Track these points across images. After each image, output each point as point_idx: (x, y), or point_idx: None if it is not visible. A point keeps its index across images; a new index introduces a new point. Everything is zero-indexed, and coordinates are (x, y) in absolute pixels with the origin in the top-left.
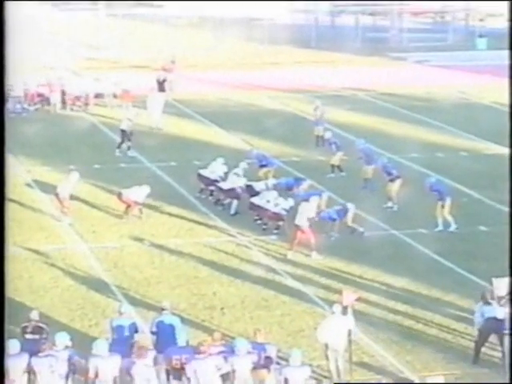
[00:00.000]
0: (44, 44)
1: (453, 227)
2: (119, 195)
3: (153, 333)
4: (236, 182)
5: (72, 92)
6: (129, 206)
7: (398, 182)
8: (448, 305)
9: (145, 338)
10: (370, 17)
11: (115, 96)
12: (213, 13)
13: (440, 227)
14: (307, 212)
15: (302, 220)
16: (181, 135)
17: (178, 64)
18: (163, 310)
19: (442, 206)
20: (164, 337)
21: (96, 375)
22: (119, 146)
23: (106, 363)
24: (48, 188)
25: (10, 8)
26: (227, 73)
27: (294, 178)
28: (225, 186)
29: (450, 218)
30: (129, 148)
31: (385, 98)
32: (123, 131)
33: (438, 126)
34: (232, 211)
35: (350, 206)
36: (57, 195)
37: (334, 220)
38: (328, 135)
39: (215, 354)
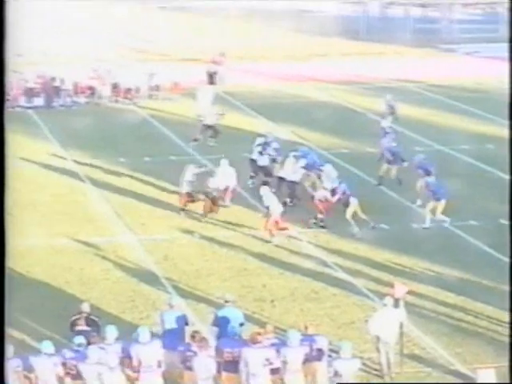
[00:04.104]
0: (95, 36)
1: (447, 223)
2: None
3: (215, 325)
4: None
5: (122, 84)
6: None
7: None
8: (498, 296)
9: (206, 330)
10: (420, 8)
11: (165, 89)
12: (262, 5)
13: (426, 225)
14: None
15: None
16: (230, 128)
17: (228, 56)
18: (226, 302)
19: (435, 207)
20: (226, 329)
21: (139, 363)
22: (196, 140)
23: (147, 350)
24: (97, 180)
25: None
26: (276, 65)
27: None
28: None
29: (442, 217)
30: (209, 140)
31: (434, 89)
32: (209, 126)
33: (488, 118)
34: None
35: (353, 200)
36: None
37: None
38: (385, 124)
39: (268, 346)
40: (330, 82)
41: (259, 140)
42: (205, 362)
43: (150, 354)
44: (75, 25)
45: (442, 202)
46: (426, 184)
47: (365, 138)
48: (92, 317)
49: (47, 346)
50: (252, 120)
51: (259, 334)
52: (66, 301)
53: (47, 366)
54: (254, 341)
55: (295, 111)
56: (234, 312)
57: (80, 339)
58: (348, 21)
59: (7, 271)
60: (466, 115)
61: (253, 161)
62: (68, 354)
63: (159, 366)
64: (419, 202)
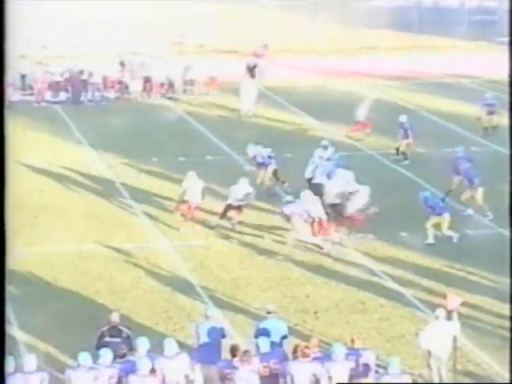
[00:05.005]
0: (127, 28)
1: (455, 238)
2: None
3: (257, 337)
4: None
5: (155, 79)
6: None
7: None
8: None
9: (244, 343)
10: None
11: (201, 83)
12: None
13: (430, 240)
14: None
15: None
16: (271, 125)
17: (270, 49)
18: (269, 313)
19: (438, 222)
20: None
21: (164, 378)
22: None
23: (173, 364)
24: (129, 182)
25: None
26: (322, 58)
27: None
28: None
29: (450, 233)
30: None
31: (492, 85)
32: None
33: None
34: None
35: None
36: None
37: None
38: (403, 119)
39: (314, 360)
40: (380, 78)
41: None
42: (247, 377)
43: (176, 368)
44: (107, 16)
45: (446, 217)
46: (424, 199)
47: (416, 137)
48: (122, 328)
49: (85, 359)
50: (294, 118)
51: (307, 347)
52: (95, 310)
53: (85, 380)
54: (303, 355)
55: (342, 109)
56: (276, 324)
57: (106, 351)
58: (399, 12)
59: (33, 278)
60: None
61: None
62: (112, 365)
63: (188, 381)
64: (470, 211)
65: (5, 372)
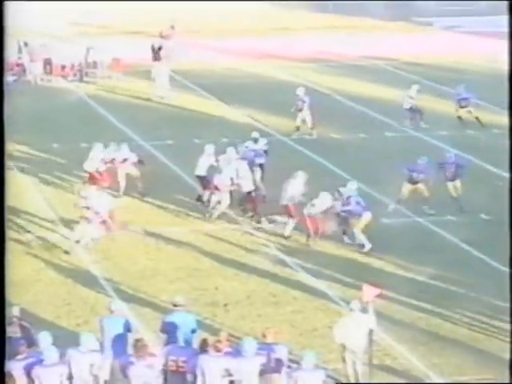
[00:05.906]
0: (27, 7)
1: (367, 247)
2: None
3: (163, 331)
4: None
5: (56, 61)
6: None
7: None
8: (480, 300)
9: (152, 337)
10: None
11: (104, 65)
12: None
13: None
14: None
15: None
16: (179, 110)
17: (178, 29)
18: (175, 305)
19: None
20: (175, 336)
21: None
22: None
23: (83, 358)
24: (27, 168)
25: None
26: (232, 39)
27: None
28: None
29: (362, 237)
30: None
31: (409, 68)
32: (413, 110)
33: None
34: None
35: None
36: None
37: None
38: (300, 91)
39: (224, 355)
40: (293, 60)
41: None
42: (142, 373)
43: (84, 364)
44: None
45: (364, 218)
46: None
47: (331, 122)
48: (22, 322)
49: None
50: (202, 101)
51: (220, 341)
52: None
53: None
54: (215, 350)
55: (253, 92)
56: (184, 317)
57: None
58: None
59: None
60: (444, 97)
61: None
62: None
63: (94, 377)
64: (392, 206)
65: (5, 371)
